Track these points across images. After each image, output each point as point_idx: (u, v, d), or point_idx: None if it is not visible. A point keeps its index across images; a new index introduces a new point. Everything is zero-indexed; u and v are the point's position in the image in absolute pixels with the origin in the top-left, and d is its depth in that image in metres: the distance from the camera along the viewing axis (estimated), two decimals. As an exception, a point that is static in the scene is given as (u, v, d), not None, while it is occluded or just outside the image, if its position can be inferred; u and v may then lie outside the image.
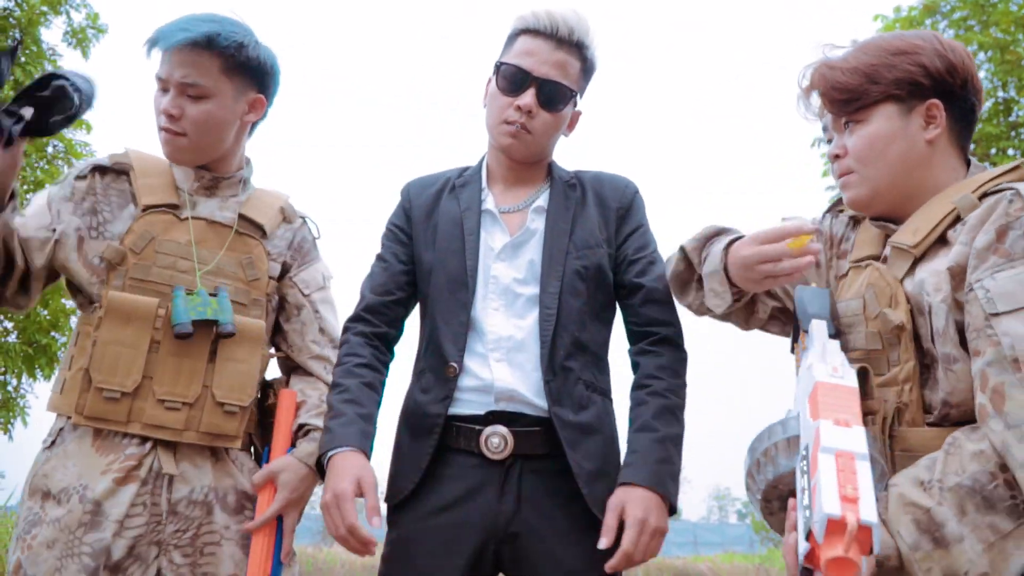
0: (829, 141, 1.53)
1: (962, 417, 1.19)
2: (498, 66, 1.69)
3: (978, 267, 1.16)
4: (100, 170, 1.71)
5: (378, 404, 1.67)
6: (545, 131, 1.69)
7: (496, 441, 1.56)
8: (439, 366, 1.63)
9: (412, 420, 1.65)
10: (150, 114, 1.73)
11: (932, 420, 1.21)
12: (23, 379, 8.32)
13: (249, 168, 1.84)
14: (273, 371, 1.83)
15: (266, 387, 1.79)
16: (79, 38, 8.63)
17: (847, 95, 1.33)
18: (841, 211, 1.52)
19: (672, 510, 1.53)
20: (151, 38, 1.67)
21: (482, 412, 1.59)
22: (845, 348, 1.33)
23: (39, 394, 8.72)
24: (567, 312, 1.62)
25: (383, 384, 1.71)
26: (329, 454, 1.56)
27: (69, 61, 9.24)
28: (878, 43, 1.34)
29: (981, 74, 8.97)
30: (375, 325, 1.73)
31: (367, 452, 1.57)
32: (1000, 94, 8.87)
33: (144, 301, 1.61)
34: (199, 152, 1.72)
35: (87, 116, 8.51)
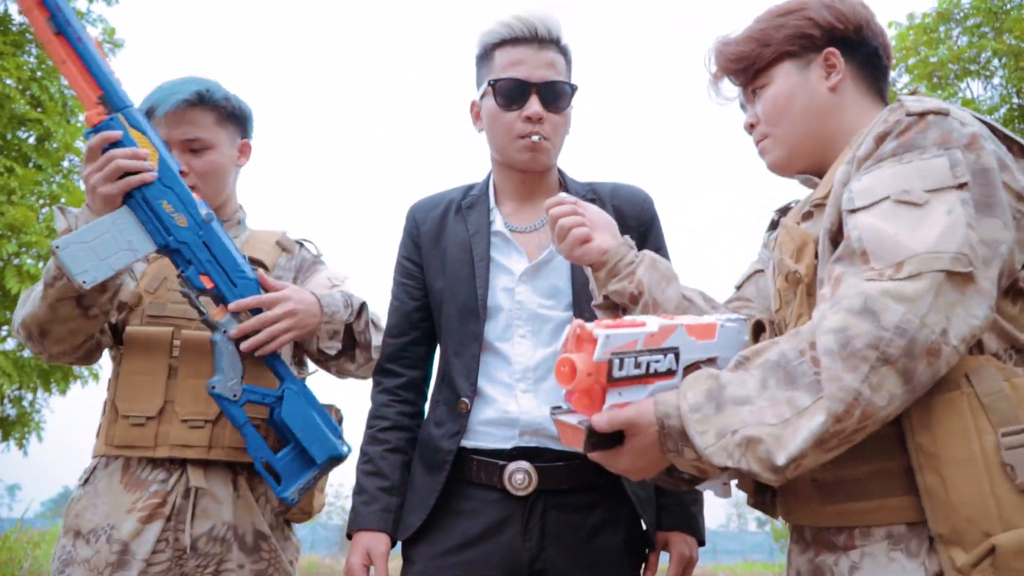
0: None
1: None
2: (492, 84, 1.65)
3: (854, 177, 1.14)
4: None
5: (407, 464, 1.69)
6: (558, 134, 1.67)
7: (520, 477, 1.55)
8: (452, 400, 1.63)
9: (425, 453, 1.66)
10: None
11: None
12: (38, 394, 8.40)
13: (243, 211, 1.94)
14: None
15: None
16: (95, 53, 8.72)
17: (744, 63, 1.36)
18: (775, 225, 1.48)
19: (701, 543, 1.67)
20: (148, 110, 1.76)
21: (507, 447, 1.57)
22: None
23: (54, 409, 8.81)
24: None
25: (414, 438, 1.70)
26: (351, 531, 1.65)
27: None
28: (768, 9, 1.38)
29: (995, 80, 8.95)
30: (398, 375, 1.74)
31: (386, 528, 1.62)
32: (1015, 100, 8.82)
33: (158, 331, 1.73)
34: (207, 200, 1.79)
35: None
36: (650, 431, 1.10)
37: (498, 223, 1.71)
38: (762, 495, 1.24)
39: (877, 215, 1.06)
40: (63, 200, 7.99)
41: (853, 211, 1.09)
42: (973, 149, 1.07)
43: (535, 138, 1.63)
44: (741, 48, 1.36)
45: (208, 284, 1.62)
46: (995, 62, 8.74)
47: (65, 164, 8.39)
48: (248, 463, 1.72)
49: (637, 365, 1.14)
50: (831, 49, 1.32)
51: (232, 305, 1.63)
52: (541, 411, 1.57)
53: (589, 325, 1.12)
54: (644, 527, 1.64)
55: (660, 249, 1.71)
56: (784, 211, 1.45)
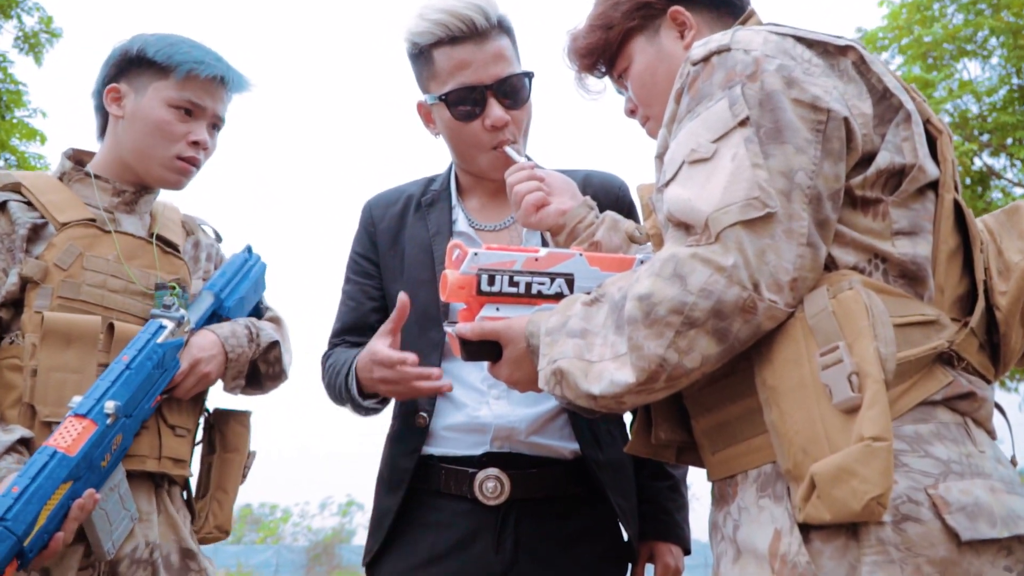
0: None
1: None
2: (443, 99, 1.57)
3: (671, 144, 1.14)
4: (1, 207, 1.63)
5: None
6: (525, 128, 1.64)
7: (492, 485, 1.53)
8: (408, 414, 1.61)
9: (385, 472, 1.65)
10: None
11: None
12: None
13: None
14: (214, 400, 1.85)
15: (209, 420, 1.80)
16: (31, 43, 8.62)
17: (596, 53, 1.36)
18: None
19: (687, 552, 1.68)
20: (205, 69, 1.69)
21: (477, 453, 1.55)
22: None
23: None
24: None
25: None
26: (350, 375, 1.58)
27: (21, 68, 9.23)
28: None
29: (993, 60, 9.06)
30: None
31: None
32: (1015, 80, 8.93)
33: (85, 320, 1.57)
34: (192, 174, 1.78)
35: (41, 126, 8.52)
36: (519, 345, 1.21)
37: (461, 223, 1.68)
38: (652, 454, 1.26)
39: (679, 183, 1.07)
40: None
41: (664, 186, 1.10)
42: (755, 77, 1.05)
43: (507, 149, 1.58)
44: (588, 40, 1.36)
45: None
46: (993, 41, 8.83)
47: (0, 163, 8.27)
48: (171, 476, 1.67)
49: (513, 283, 1.27)
50: (675, 8, 1.31)
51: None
52: (514, 415, 1.55)
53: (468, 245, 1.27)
54: (626, 537, 1.63)
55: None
56: None
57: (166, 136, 1.69)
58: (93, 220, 1.66)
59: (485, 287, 1.26)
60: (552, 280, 1.29)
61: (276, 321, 1.90)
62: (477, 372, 1.58)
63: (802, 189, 1.02)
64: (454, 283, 1.26)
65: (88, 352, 1.57)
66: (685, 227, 1.05)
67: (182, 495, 1.74)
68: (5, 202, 1.62)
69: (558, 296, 1.28)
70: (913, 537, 0.94)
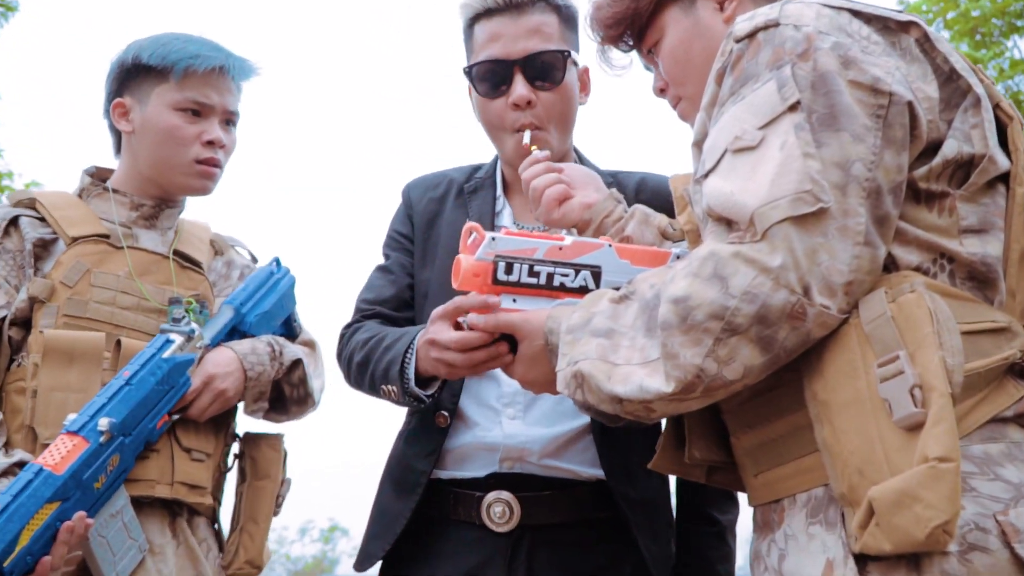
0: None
1: None
2: (468, 71, 1.63)
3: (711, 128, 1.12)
4: (12, 222, 1.71)
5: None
6: (555, 113, 1.61)
7: (499, 509, 1.52)
8: (429, 415, 1.60)
9: (394, 472, 1.64)
10: (67, 104, 1.82)
11: None
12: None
13: (184, 201, 1.88)
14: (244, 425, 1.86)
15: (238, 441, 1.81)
16: (-17, 19, 8.61)
17: (624, 25, 1.33)
18: None
19: None
20: (203, 62, 1.72)
21: (482, 475, 1.55)
22: None
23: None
24: None
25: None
26: (408, 354, 1.51)
27: (-29, 46, 9.23)
28: None
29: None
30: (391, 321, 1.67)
31: None
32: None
33: (87, 336, 1.62)
34: (215, 177, 1.81)
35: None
36: (536, 341, 1.21)
37: (506, 217, 1.69)
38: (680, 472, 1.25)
39: (720, 175, 1.05)
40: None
41: (704, 176, 1.08)
42: (807, 56, 1.03)
43: (526, 138, 1.58)
44: (615, 8, 1.33)
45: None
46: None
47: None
48: (190, 504, 1.67)
49: (533, 274, 1.27)
50: None
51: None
52: (527, 434, 1.55)
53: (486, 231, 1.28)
54: None
55: None
56: None
57: (178, 141, 1.74)
58: (106, 236, 1.71)
59: (502, 276, 1.26)
60: (577, 272, 1.28)
61: (310, 345, 1.91)
62: (494, 389, 1.58)
63: (859, 182, 1.00)
64: (468, 270, 1.25)
65: (92, 370, 1.61)
66: (726, 223, 1.03)
67: (214, 527, 1.76)
68: (17, 217, 1.69)
69: (582, 290, 1.27)
70: (980, 568, 0.92)
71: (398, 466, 1.63)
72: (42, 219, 1.71)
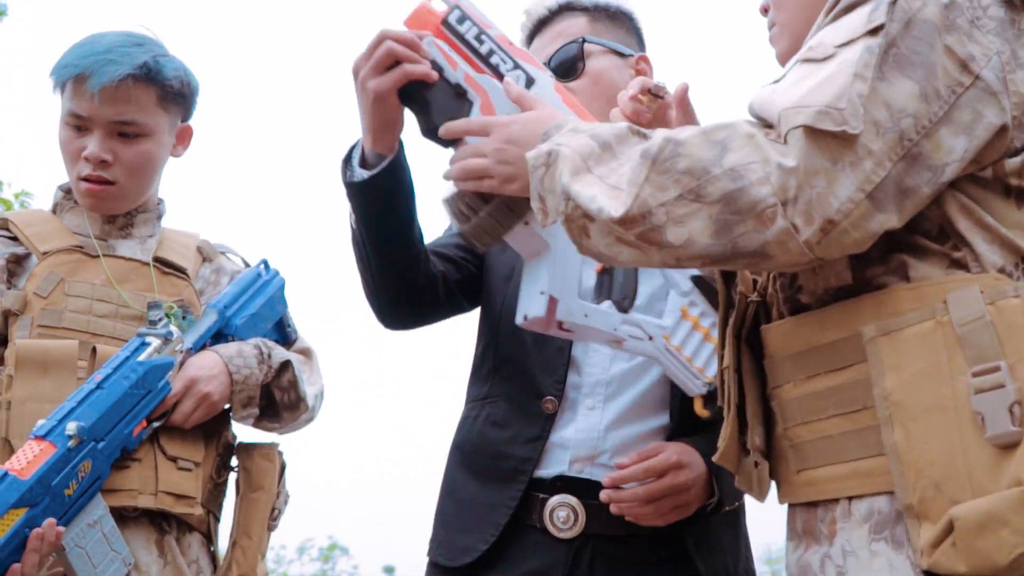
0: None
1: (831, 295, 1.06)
2: None
3: None
4: None
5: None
6: (592, 100, 1.58)
7: (563, 515, 1.51)
8: (527, 399, 1.57)
9: (476, 459, 1.60)
10: (54, 112, 1.74)
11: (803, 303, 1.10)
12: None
13: (163, 206, 1.86)
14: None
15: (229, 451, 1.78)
16: (-27, 21, 8.64)
17: None
18: None
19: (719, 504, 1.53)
20: (71, 72, 1.67)
21: (550, 476, 1.53)
22: None
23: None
24: None
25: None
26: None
27: (-40, 51, 9.26)
28: None
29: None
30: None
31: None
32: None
33: (60, 345, 1.61)
34: (128, 200, 1.75)
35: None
36: (539, 122, 1.20)
37: None
38: (748, 467, 1.17)
39: (777, 82, 1.03)
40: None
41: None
42: None
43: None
44: None
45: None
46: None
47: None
48: (178, 515, 1.65)
49: (479, 40, 1.31)
50: None
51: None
52: (602, 432, 1.53)
53: None
54: None
55: None
56: None
57: (67, 156, 1.73)
58: (80, 247, 1.70)
59: (452, 21, 1.31)
60: (514, 67, 1.32)
61: (306, 353, 1.89)
62: (574, 375, 1.56)
63: (901, 136, 0.95)
64: (423, 7, 1.32)
65: (66, 379, 1.60)
66: (765, 126, 0.99)
67: (208, 548, 1.73)
68: None
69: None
70: None
71: (481, 453, 1.60)
72: (14, 238, 1.71)
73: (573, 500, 1.51)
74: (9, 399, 1.58)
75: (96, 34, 1.73)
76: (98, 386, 1.54)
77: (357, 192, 1.46)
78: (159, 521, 1.65)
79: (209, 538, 1.74)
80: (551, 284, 1.32)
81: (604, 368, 1.57)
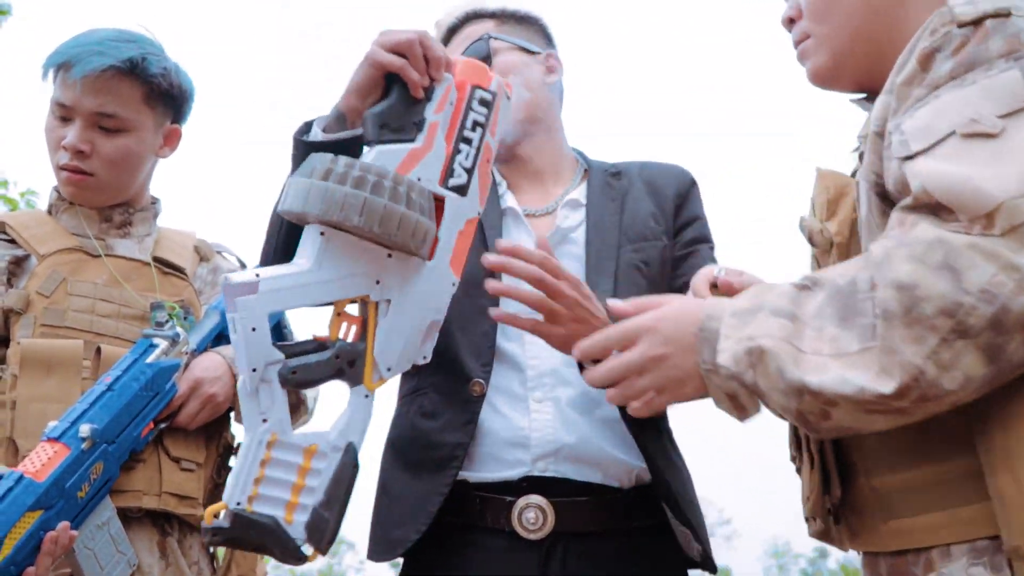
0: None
1: None
2: None
3: (898, 109, 1.06)
4: None
5: None
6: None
7: (532, 516, 1.48)
8: (454, 384, 1.55)
9: (408, 452, 1.58)
10: None
11: None
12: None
13: (158, 205, 1.87)
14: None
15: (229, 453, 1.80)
16: (-24, 22, 8.66)
17: None
18: None
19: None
20: (57, 60, 1.69)
21: (515, 476, 1.51)
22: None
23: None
24: None
25: None
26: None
27: (-36, 51, 9.28)
28: None
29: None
30: None
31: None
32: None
33: (65, 344, 1.62)
34: (108, 193, 1.76)
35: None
36: (683, 331, 1.08)
37: (509, 199, 1.71)
38: (825, 520, 1.18)
39: (943, 157, 0.98)
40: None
41: (910, 157, 1.01)
42: None
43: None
44: None
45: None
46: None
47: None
48: (181, 516, 1.66)
49: (473, 128, 1.28)
50: None
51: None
52: (561, 421, 1.51)
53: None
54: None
55: (700, 221, 1.73)
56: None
57: (49, 145, 1.74)
58: (80, 247, 1.71)
59: (477, 96, 1.28)
60: (468, 174, 1.29)
61: None
62: (516, 375, 1.55)
63: None
64: (484, 67, 1.31)
65: (71, 379, 1.61)
66: (944, 210, 0.96)
67: (208, 549, 1.74)
68: None
69: (451, 173, 1.26)
70: None
71: (413, 446, 1.57)
72: (11, 240, 1.71)
73: (541, 500, 1.49)
74: (14, 399, 1.59)
75: (93, 28, 1.75)
76: (109, 388, 1.55)
77: (310, 150, 1.31)
78: (161, 522, 1.67)
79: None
80: (273, 281, 1.14)
81: (545, 359, 1.55)
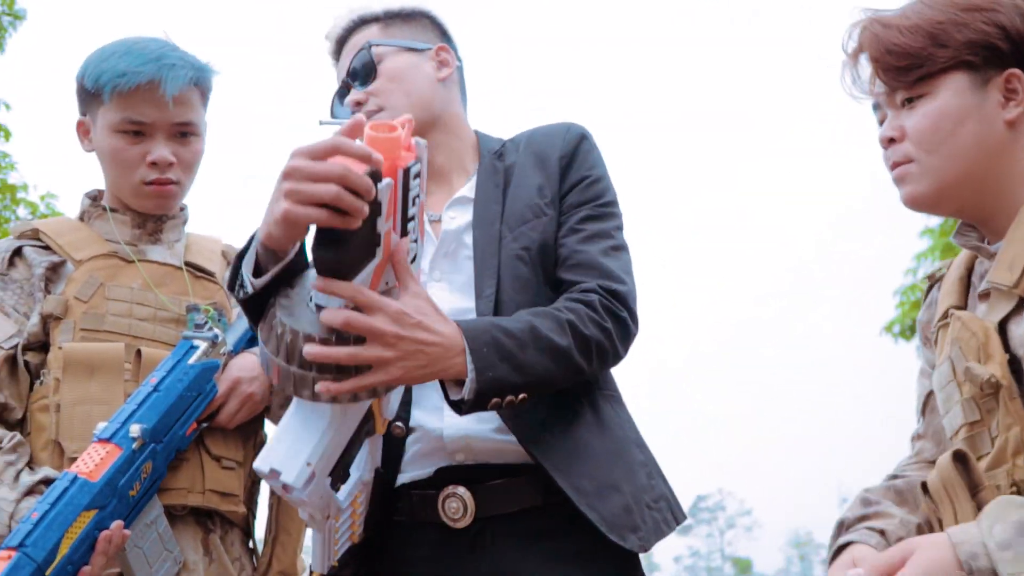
0: (882, 122, 1.43)
1: None
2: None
3: None
4: (17, 252, 1.74)
5: None
6: (391, 96, 1.64)
7: (454, 505, 1.50)
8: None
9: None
10: (74, 114, 1.81)
11: None
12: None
13: (187, 211, 1.91)
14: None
15: None
16: (-8, 28, 8.71)
17: (906, 61, 1.28)
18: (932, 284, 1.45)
19: (481, 383, 1.38)
20: (131, 79, 1.69)
21: (432, 471, 1.52)
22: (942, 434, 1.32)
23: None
24: (512, 313, 1.49)
25: None
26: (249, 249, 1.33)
27: (-20, 57, 9.34)
28: None
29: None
30: None
31: None
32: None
33: (107, 347, 1.65)
34: (181, 198, 1.82)
35: (4, 120, 8.59)
36: (941, 557, 1.09)
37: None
38: None
39: None
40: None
41: None
42: None
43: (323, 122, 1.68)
44: (908, 41, 1.27)
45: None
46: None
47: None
48: (223, 512, 1.70)
49: (414, 202, 1.24)
50: (1016, 71, 1.25)
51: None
52: (474, 420, 1.49)
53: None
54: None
55: (587, 180, 1.63)
56: (938, 279, 1.42)
57: (123, 164, 1.75)
58: (115, 253, 1.75)
59: (412, 174, 1.21)
60: (415, 240, 1.30)
61: None
62: (435, 389, 1.50)
63: None
64: (398, 139, 1.19)
65: (114, 381, 1.65)
66: None
67: (247, 544, 1.78)
68: (21, 248, 1.73)
69: (403, 233, 1.25)
70: None
71: None
72: (47, 247, 1.74)
73: (461, 489, 1.50)
74: (58, 402, 1.63)
75: (127, 40, 1.77)
76: (155, 389, 1.58)
77: (252, 307, 1.30)
78: (204, 519, 1.70)
79: (248, 534, 1.79)
80: (319, 459, 1.24)
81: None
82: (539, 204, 1.60)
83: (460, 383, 1.37)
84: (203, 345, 1.65)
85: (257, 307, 1.29)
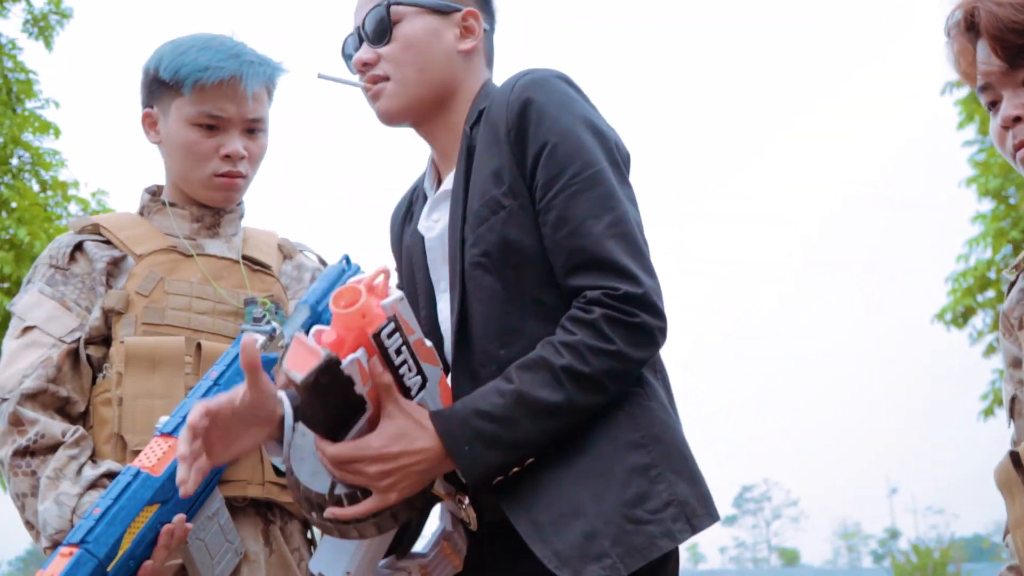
0: (990, 104, 1.35)
1: None
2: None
3: None
4: (78, 247, 1.78)
5: None
6: (401, 66, 1.50)
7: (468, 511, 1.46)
8: None
9: None
10: (123, 111, 1.82)
11: None
12: None
13: (243, 206, 1.93)
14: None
15: None
16: (41, 27, 8.86)
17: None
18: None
19: (472, 478, 1.33)
20: (214, 75, 1.72)
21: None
22: None
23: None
24: (479, 330, 1.41)
25: None
26: None
27: (30, 54, 9.48)
28: None
29: None
30: None
31: None
32: None
33: (168, 341, 1.68)
34: (245, 191, 1.86)
35: (53, 117, 8.72)
36: None
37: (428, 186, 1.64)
38: None
39: None
40: (13, 205, 8.07)
41: None
42: None
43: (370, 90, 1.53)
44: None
45: None
46: None
47: (14, 162, 8.51)
48: (281, 505, 1.71)
49: (398, 352, 1.26)
50: None
51: None
52: None
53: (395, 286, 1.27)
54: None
55: (547, 148, 1.39)
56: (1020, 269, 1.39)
57: (198, 156, 1.78)
58: (174, 247, 1.78)
59: (384, 336, 1.24)
60: (416, 373, 1.31)
61: None
62: None
63: None
64: (365, 307, 1.21)
65: (175, 375, 1.67)
66: None
67: (306, 535, 1.80)
68: (82, 243, 1.76)
69: (406, 391, 1.31)
70: None
71: None
72: (107, 242, 1.77)
73: (466, 500, 1.42)
74: (120, 395, 1.66)
75: (200, 35, 1.81)
76: (215, 382, 1.59)
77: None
78: (264, 511, 1.72)
79: (307, 524, 1.80)
80: (357, 568, 1.39)
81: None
82: (496, 197, 1.41)
83: None
84: (262, 338, 1.67)
85: None
